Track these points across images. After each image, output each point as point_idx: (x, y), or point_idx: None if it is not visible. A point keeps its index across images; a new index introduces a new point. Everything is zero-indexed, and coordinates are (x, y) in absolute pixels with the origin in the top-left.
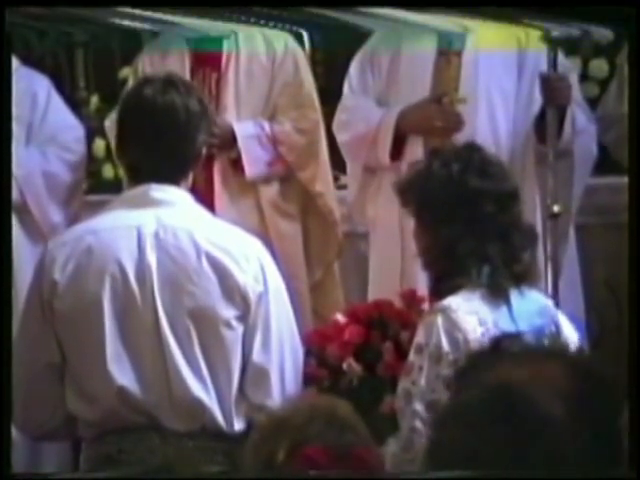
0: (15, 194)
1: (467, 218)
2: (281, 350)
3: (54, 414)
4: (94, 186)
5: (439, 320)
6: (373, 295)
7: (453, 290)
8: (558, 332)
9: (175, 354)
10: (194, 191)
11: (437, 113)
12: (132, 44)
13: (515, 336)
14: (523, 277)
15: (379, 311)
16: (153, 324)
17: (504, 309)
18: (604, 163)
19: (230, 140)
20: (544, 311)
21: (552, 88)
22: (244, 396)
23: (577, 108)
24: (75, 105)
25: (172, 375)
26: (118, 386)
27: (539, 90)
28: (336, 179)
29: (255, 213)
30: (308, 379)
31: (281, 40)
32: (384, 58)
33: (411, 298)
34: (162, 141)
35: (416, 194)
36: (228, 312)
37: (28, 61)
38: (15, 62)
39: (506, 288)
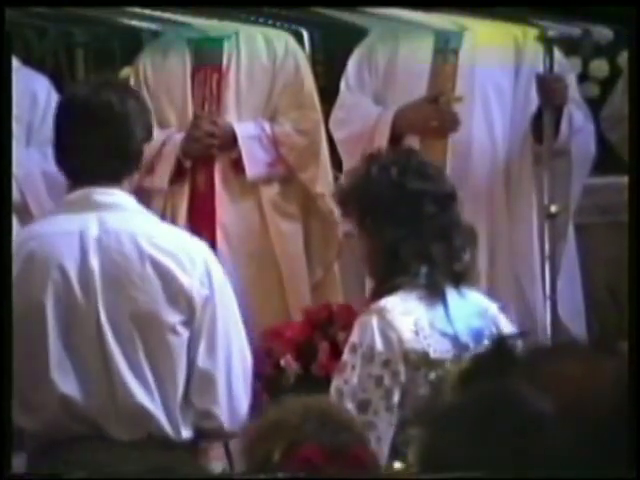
0: (15, 194)
1: (409, 220)
2: (228, 355)
3: None
4: None
5: (374, 320)
6: None
7: (392, 290)
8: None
9: (119, 361)
10: (195, 192)
11: (433, 113)
12: (133, 44)
13: (517, 336)
14: (462, 277)
15: (329, 312)
16: (96, 331)
17: (440, 310)
18: (606, 162)
19: (231, 141)
20: (483, 313)
21: (549, 89)
22: (190, 403)
23: (574, 107)
24: None
25: (116, 383)
26: (60, 394)
27: (536, 90)
28: (336, 179)
29: (256, 213)
30: (255, 375)
31: (282, 40)
32: (381, 56)
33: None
34: (100, 142)
35: (358, 201)
36: (173, 317)
37: (28, 61)
38: (15, 62)
39: (443, 288)
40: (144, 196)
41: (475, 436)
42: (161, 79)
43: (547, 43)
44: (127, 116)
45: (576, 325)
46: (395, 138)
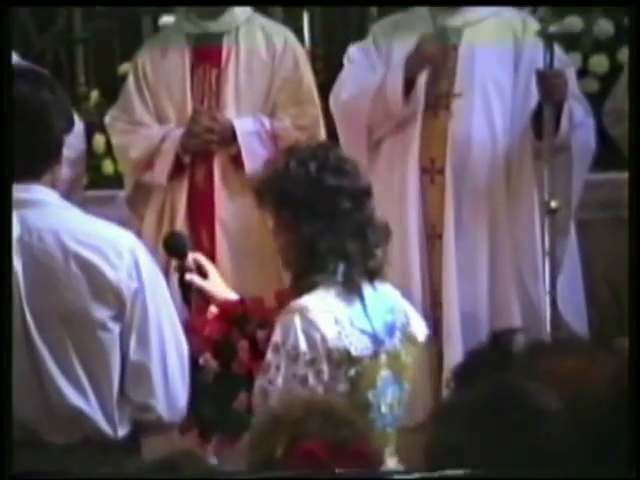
0: None
1: (325, 215)
2: (162, 346)
3: None
4: (94, 181)
5: (296, 320)
6: None
7: (311, 288)
8: (408, 326)
9: (49, 364)
10: (194, 188)
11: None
12: (132, 40)
13: (513, 332)
14: (376, 273)
15: (243, 308)
16: (22, 333)
17: (358, 307)
18: (606, 158)
19: (230, 136)
20: (394, 307)
21: (548, 84)
22: (126, 397)
23: (574, 102)
24: (75, 101)
25: (48, 386)
26: None
27: (535, 86)
28: None
29: (255, 209)
30: None
31: (281, 36)
32: (384, 48)
33: (285, 297)
34: (20, 136)
35: (274, 193)
36: (102, 313)
37: (28, 57)
38: (15, 58)
39: (360, 285)
40: (143, 192)
41: (481, 432)
42: (160, 75)
43: (547, 38)
44: (42, 107)
45: (577, 321)
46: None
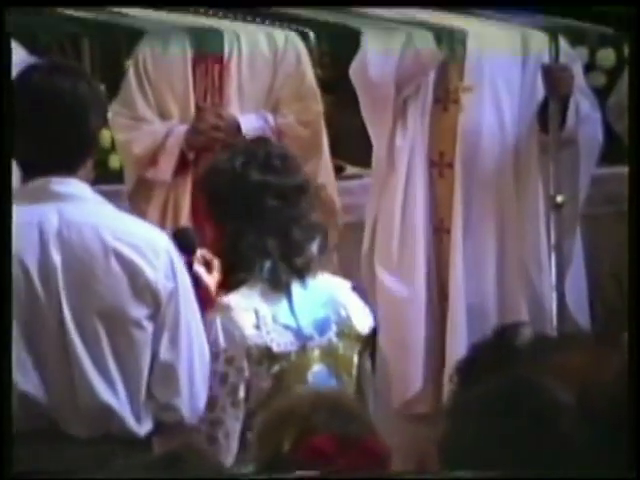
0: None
1: (249, 212)
2: (190, 348)
3: None
4: (100, 176)
5: (217, 319)
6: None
7: (236, 285)
8: (347, 320)
9: (83, 359)
10: None
11: None
12: (138, 35)
13: (518, 326)
14: (305, 270)
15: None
16: (58, 327)
17: (284, 303)
18: (611, 152)
19: (235, 133)
20: (330, 301)
21: (554, 78)
22: (151, 396)
23: (581, 96)
24: None
25: (78, 380)
26: (19, 392)
27: (541, 80)
28: (342, 169)
29: None
30: None
31: (282, 33)
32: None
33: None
34: (53, 129)
35: (204, 189)
36: (138, 311)
37: (35, 52)
38: (22, 52)
39: (287, 282)
40: (146, 188)
41: (496, 428)
42: (162, 70)
43: (553, 33)
44: (80, 102)
45: (583, 315)
46: None
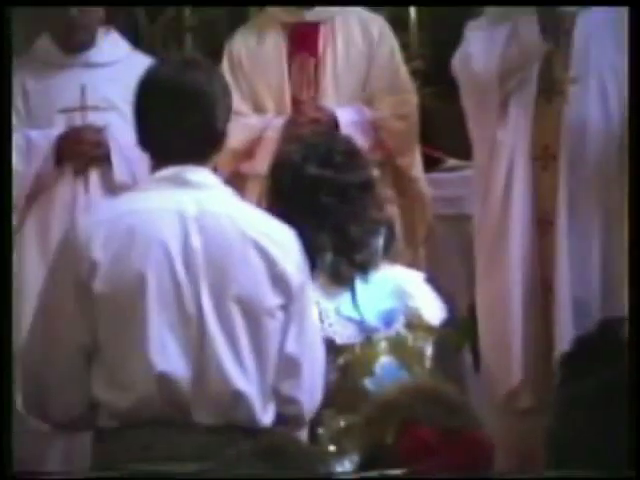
0: None
1: (306, 207)
2: (313, 342)
3: (80, 401)
4: None
5: None
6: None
7: None
8: (416, 311)
9: (218, 343)
10: None
11: None
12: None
13: (623, 320)
14: (368, 265)
15: None
16: (197, 311)
17: (347, 296)
18: None
19: (333, 126)
20: (397, 292)
21: None
22: (274, 388)
23: None
24: None
25: (213, 364)
26: (158, 372)
27: None
28: (440, 162)
29: None
30: None
31: (376, 24)
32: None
33: None
34: (188, 121)
35: (268, 181)
36: (273, 301)
37: (138, 46)
38: (127, 47)
39: (348, 276)
40: (239, 181)
41: (605, 425)
42: (256, 63)
43: None
44: (214, 96)
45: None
46: None
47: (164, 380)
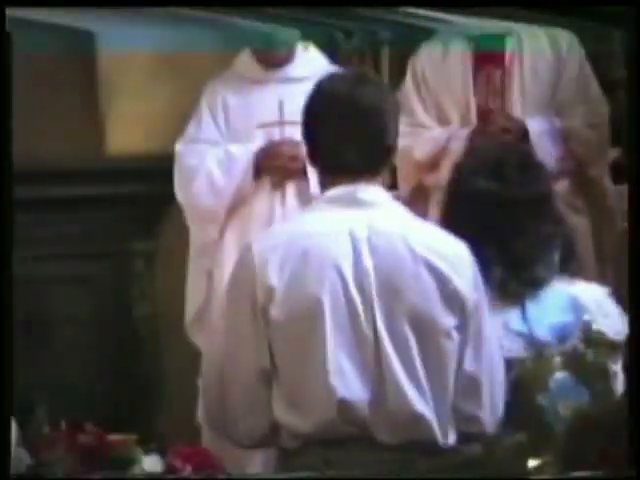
0: None
1: (472, 220)
2: (491, 358)
3: (262, 423)
4: None
5: None
6: None
7: None
8: (595, 326)
9: (394, 365)
10: None
11: None
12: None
13: None
14: (538, 282)
15: None
16: (372, 333)
17: (516, 310)
18: None
19: (521, 136)
20: (573, 307)
21: None
22: (455, 407)
23: None
24: None
25: (391, 386)
26: (339, 399)
27: None
28: None
29: None
30: None
31: (565, 37)
32: None
33: None
34: (359, 137)
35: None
36: (447, 320)
37: (335, 60)
38: (324, 62)
39: (517, 293)
40: (423, 194)
41: None
42: (441, 77)
43: None
44: (384, 110)
45: None
46: None
47: (344, 404)
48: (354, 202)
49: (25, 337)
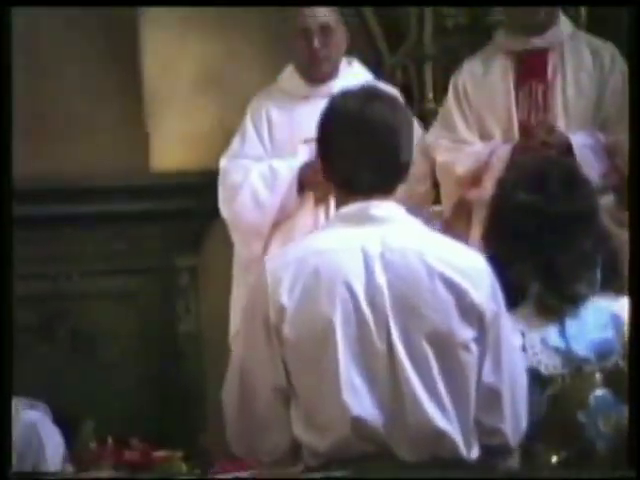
0: None
1: (513, 234)
2: (512, 370)
3: (283, 443)
4: None
5: None
6: None
7: (510, 307)
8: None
9: (413, 381)
10: None
11: None
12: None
13: None
14: (578, 298)
15: None
16: (387, 349)
17: (554, 326)
18: None
19: (564, 150)
20: (613, 324)
21: None
22: (477, 420)
23: None
24: (423, 117)
25: (409, 404)
26: (353, 417)
27: None
28: None
29: None
30: None
31: (608, 50)
32: None
33: None
34: (373, 154)
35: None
36: (466, 334)
37: (379, 75)
38: (368, 77)
39: (556, 308)
40: (464, 209)
41: None
42: (483, 92)
43: None
44: (398, 127)
45: None
46: None
47: (358, 422)
48: (367, 219)
49: (72, 352)
